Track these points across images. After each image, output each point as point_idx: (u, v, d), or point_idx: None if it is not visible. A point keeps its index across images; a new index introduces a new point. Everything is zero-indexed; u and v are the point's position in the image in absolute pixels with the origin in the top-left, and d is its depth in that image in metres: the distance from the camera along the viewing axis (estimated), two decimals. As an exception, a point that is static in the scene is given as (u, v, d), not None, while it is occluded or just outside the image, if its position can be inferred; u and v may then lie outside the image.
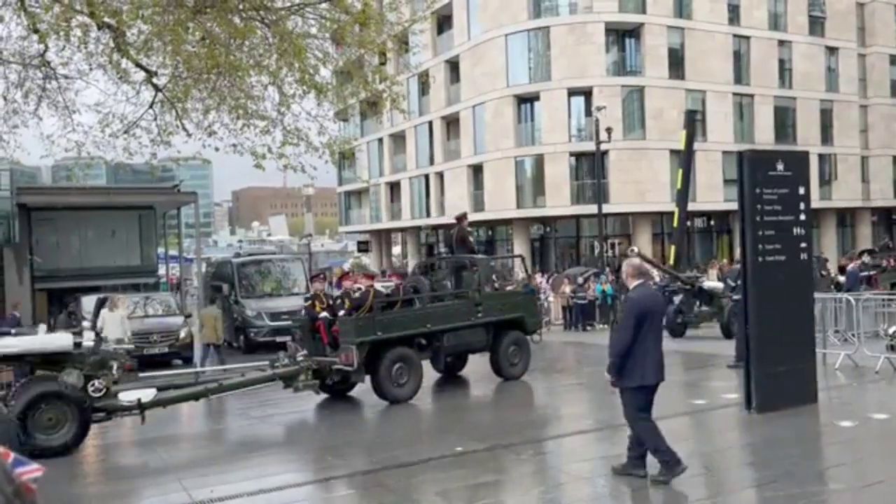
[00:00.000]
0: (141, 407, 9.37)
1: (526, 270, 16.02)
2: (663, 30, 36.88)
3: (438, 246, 45.71)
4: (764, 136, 38.90)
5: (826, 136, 41.89)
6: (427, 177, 44.26)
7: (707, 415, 9.74)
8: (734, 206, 11.53)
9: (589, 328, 22.67)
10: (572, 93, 36.11)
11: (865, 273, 18.80)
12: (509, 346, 12.92)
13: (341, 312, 11.89)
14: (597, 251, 33.03)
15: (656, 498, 6.39)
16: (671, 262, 19.97)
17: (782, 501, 5.94)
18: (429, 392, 12.27)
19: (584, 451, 8.19)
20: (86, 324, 13.53)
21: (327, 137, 11.37)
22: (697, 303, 18.43)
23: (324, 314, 12.00)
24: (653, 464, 6.52)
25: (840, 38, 42.02)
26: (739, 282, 10.67)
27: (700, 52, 37.39)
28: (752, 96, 39.47)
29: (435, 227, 45.32)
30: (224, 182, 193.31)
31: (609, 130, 27.81)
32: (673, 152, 32.87)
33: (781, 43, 40.35)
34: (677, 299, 18.58)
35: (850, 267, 19.83)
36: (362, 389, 12.14)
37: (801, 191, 9.47)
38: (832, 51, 42.08)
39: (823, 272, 22.02)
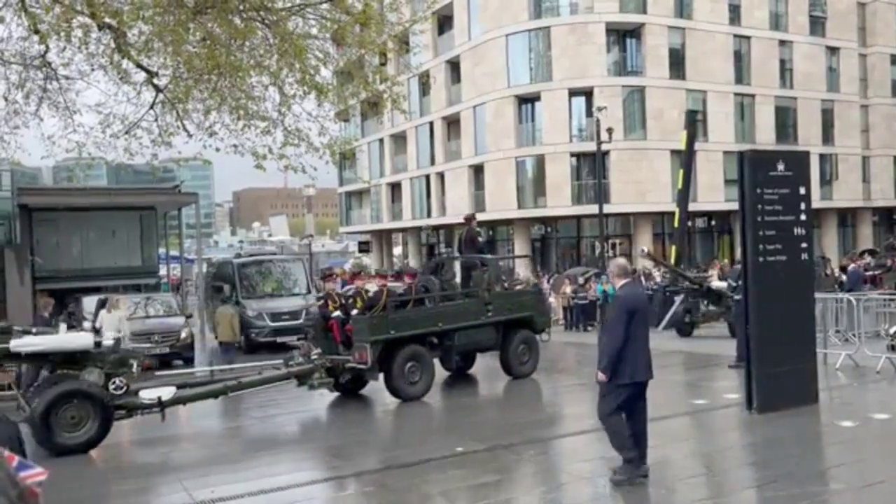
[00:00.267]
0: (161, 405, 9.42)
1: (536, 271, 16.14)
2: (664, 30, 36.85)
3: (439, 246, 45.72)
4: (765, 136, 38.86)
5: (827, 136, 41.85)
6: (428, 177, 44.23)
7: (708, 415, 9.75)
8: (735, 206, 11.52)
9: (590, 328, 22.64)
10: (573, 93, 36.10)
11: (869, 273, 18.81)
12: (519, 344, 13.02)
13: (354, 311, 11.94)
14: (598, 251, 32.99)
15: (657, 498, 6.39)
16: (672, 262, 20.04)
17: (783, 501, 5.94)
18: (436, 390, 12.28)
19: (585, 452, 8.18)
20: (86, 324, 13.58)
21: (328, 138, 11.40)
22: (705, 302, 18.54)
23: (337, 313, 12.04)
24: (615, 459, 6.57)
25: (841, 38, 41.98)
26: (740, 282, 10.68)
27: (701, 53, 37.36)
28: (752, 96, 39.44)
29: (436, 228, 45.31)
30: (225, 182, 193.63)
31: (610, 131, 27.84)
32: (674, 152, 32.82)
33: (782, 43, 40.31)
34: (678, 299, 18.60)
35: (851, 267, 19.84)
36: (370, 389, 12.19)
37: (802, 191, 9.47)
38: (833, 51, 42.04)
39: (827, 272, 22.04)
